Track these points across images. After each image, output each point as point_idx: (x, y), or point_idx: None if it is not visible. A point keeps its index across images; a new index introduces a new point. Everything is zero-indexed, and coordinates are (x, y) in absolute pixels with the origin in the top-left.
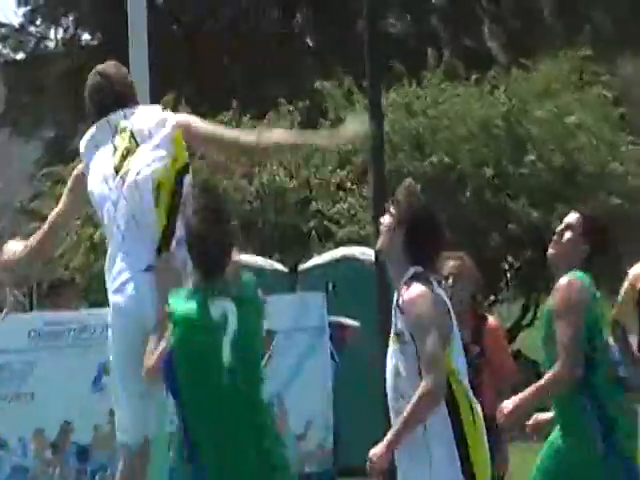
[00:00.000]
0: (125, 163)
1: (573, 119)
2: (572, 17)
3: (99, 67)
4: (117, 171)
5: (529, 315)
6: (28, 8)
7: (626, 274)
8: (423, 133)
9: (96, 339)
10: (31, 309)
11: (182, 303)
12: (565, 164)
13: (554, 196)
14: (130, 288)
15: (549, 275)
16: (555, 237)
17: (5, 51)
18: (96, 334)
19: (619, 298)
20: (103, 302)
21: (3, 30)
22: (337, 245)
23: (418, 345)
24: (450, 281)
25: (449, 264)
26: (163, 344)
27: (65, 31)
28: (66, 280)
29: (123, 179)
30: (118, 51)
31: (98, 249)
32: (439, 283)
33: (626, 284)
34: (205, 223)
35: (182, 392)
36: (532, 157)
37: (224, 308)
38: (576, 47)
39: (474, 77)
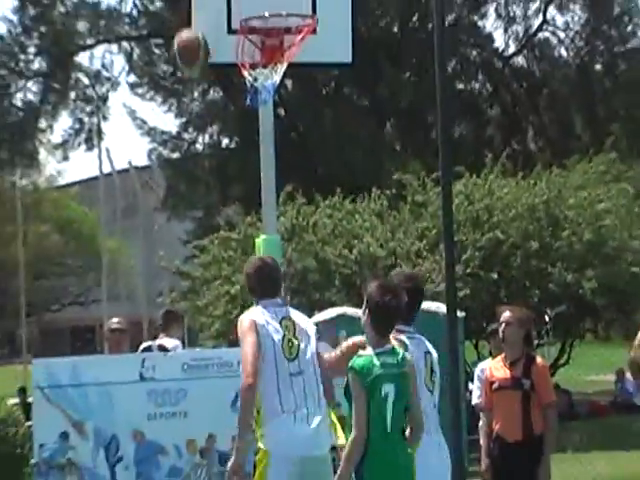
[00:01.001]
0: (295, 346)
1: (602, 206)
2: (597, 127)
3: (264, 258)
4: (291, 348)
5: (565, 356)
6: (183, 119)
7: (639, 324)
8: (481, 215)
9: (234, 371)
10: (184, 347)
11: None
12: (593, 239)
13: (584, 263)
14: None
15: (582, 325)
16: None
17: (165, 152)
18: (233, 367)
19: (636, 343)
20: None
21: (164, 136)
22: None
23: None
24: (503, 326)
25: (503, 314)
26: None
27: (210, 137)
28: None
29: (299, 358)
30: (251, 153)
31: (235, 302)
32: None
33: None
34: (390, 294)
35: None
36: (567, 233)
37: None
38: (603, 151)
39: (521, 175)
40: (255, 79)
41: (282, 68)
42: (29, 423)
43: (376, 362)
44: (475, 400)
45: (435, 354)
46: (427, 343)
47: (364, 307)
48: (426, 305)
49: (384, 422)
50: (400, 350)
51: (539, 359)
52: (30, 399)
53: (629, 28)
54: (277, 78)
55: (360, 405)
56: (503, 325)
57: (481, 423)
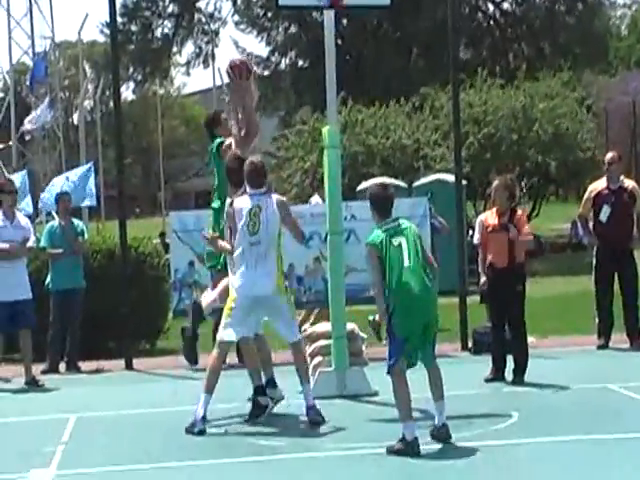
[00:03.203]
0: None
1: (562, 110)
2: (559, 50)
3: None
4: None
5: (536, 211)
6: (271, 47)
7: (586, 189)
8: (478, 116)
9: (306, 221)
10: None
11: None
12: (555, 132)
13: (549, 148)
14: None
15: (547, 191)
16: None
17: (259, 70)
18: (306, 218)
19: (583, 202)
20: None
21: (257, 59)
22: (434, 172)
23: None
24: (494, 189)
25: (494, 181)
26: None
27: (290, 59)
28: None
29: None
30: (318, 71)
31: (306, 174)
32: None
33: (586, 194)
34: (382, 189)
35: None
36: (537, 128)
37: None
38: (561, 68)
39: (502, 84)
40: None
41: None
42: (167, 256)
43: (381, 231)
44: (476, 240)
45: (271, 210)
46: (269, 201)
47: (369, 204)
48: (440, 176)
49: (403, 262)
50: (399, 220)
51: (519, 210)
52: (167, 240)
53: None
54: None
55: (376, 272)
56: (494, 188)
57: (479, 256)
